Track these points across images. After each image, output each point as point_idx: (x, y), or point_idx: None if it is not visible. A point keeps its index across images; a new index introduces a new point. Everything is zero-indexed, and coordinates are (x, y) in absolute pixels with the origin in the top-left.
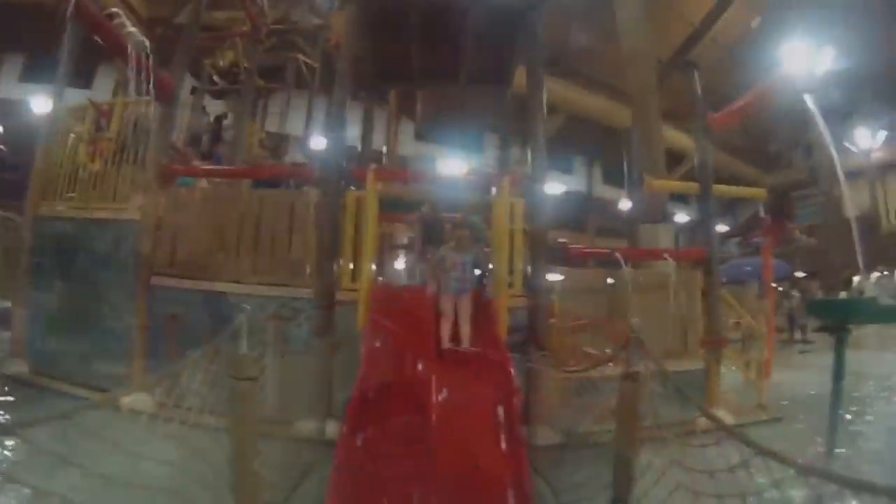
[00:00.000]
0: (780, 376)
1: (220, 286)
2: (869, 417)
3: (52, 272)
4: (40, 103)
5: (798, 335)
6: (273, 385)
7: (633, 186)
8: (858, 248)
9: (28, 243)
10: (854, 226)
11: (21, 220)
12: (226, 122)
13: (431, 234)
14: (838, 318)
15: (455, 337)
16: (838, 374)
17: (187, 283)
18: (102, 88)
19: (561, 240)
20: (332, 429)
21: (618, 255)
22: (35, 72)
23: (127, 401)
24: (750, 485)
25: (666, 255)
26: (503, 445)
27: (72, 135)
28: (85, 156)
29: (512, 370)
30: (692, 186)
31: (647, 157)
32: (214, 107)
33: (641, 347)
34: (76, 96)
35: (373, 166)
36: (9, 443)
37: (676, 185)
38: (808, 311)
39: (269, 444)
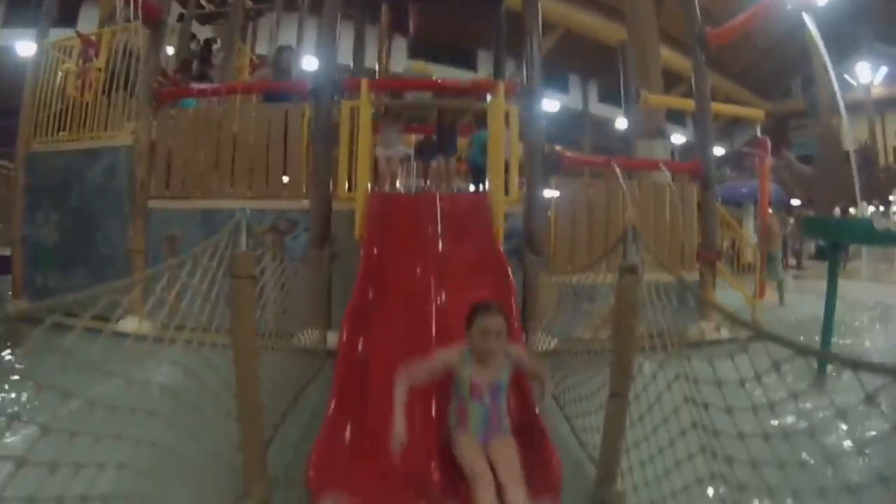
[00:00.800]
0: (774, 298)
1: (216, 203)
2: (860, 340)
3: (49, 208)
4: (26, 47)
5: (792, 261)
6: (273, 299)
7: (629, 104)
8: (857, 180)
9: (21, 182)
10: (853, 158)
11: (14, 165)
12: (215, 47)
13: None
14: (833, 236)
15: None
16: (831, 291)
17: (183, 204)
18: (87, 26)
19: (556, 147)
20: (333, 339)
21: (614, 164)
22: (18, 16)
23: (127, 325)
24: (749, 370)
25: (662, 166)
26: None
27: (60, 72)
28: (74, 89)
29: (509, 271)
30: (688, 102)
31: (643, 74)
32: (203, 32)
33: (638, 240)
34: (62, 36)
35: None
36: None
37: (673, 100)
38: (803, 228)
39: (271, 357)
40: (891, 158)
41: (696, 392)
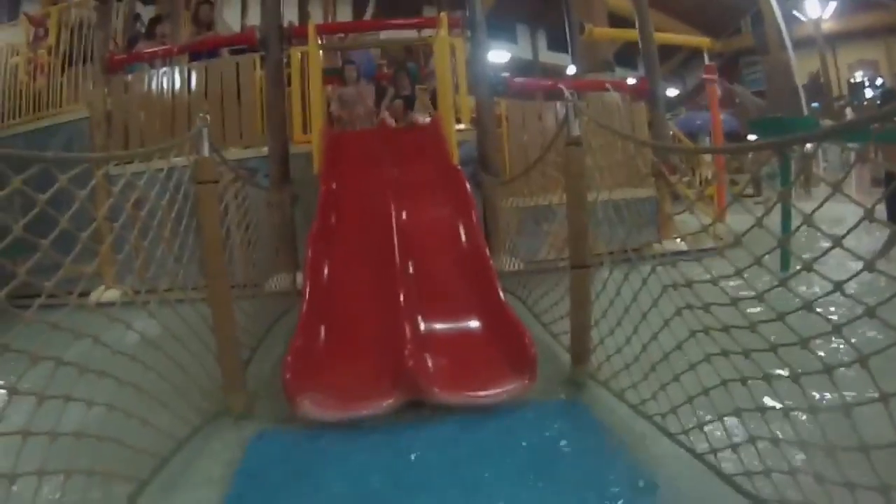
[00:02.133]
0: (734, 219)
1: (176, 161)
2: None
3: (11, 193)
4: None
5: (750, 189)
6: (239, 250)
7: (576, 46)
8: (806, 112)
9: None
10: (801, 92)
11: None
12: (160, 27)
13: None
14: (779, 134)
15: None
16: (785, 183)
17: (143, 167)
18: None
19: (504, 74)
20: (302, 279)
21: (561, 86)
22: None
23: (99, 296)
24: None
25: (608, 86)
26: (466, 251)
27: (10, 61)
28: (25, 74)
29: (467, 185)
30: (633, 33)
31: (588, 11)
32: (148, 12)
33: (580, 116)
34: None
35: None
36: None
37: (617, 32)
38: (750, 129)
39: (242, 305)
40: (844, 90)
41: (667, 275)
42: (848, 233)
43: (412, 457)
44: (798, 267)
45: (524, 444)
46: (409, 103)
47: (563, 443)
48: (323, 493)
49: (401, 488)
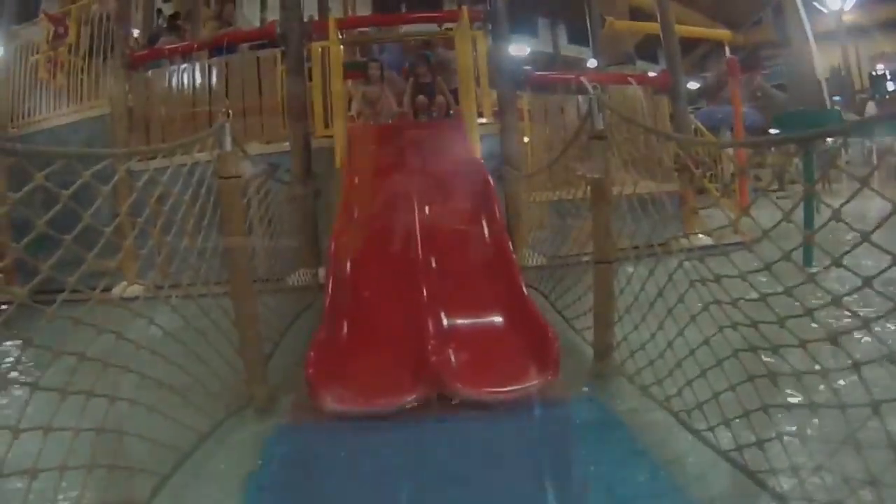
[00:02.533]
0: (758, 213)
1: (197, 157)
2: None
3: (34, 189)
4: None
5: (774, 185)
6: (262, 245)
7: (596, 39)
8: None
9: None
10: (824, 86)
11: None
12: (180, 23)
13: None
14: (803, 129)
15: None
16: (809, 178)
17: (165, 162)
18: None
19: (525, 67)
20: (323, 274)
21: (583, 79)
22: None
23: (120, 291)
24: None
25: (630, 80)
26: (489, 245)
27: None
28: (45, 72)
29: (489, 178)
30: (654, 25)
31: (609, 4)
32: (167, 8)
33: (604, 109)
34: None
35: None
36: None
37: (638, 25)
38: (773, 123)
39: (265, 300)
40: (866, 84)
41: (693, 270)
42: (877, 227)
43: (433, 452)
44: (822, 262)
45: (546, 439)
46: (430, 91)
47: (584, 439)
48: (343, 487)
49: (421, 483)
